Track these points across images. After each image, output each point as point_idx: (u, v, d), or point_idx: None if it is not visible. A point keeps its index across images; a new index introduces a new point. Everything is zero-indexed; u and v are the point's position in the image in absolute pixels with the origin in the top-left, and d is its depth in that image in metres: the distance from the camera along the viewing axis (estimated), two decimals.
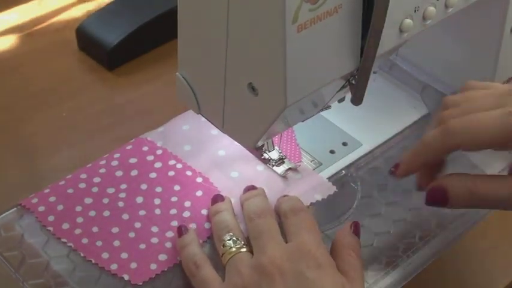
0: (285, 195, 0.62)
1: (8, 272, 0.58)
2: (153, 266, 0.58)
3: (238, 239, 0.57)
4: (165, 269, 0.58)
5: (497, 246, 0.72)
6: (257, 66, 0.52)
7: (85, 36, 0.93)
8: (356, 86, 0.55)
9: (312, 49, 0.51)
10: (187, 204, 0.62)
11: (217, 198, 0.62)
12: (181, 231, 0.59)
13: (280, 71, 0.50)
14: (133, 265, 0.58)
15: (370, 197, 0.65)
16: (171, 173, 0.64)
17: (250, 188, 0.62)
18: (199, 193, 0.63)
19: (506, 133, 0.53)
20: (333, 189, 0.64)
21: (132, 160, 0.65)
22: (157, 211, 0.62)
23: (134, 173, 0.65)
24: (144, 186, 0.63)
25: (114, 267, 0.58)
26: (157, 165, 0.65)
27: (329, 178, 0.66)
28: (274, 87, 0.51)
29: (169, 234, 0.60)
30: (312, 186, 0.63)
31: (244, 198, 0.61)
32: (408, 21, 0.56)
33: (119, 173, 0.64)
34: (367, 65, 0.54)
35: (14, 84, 0.89)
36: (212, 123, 0.60)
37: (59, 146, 0.80)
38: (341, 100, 0.63)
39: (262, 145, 0.64)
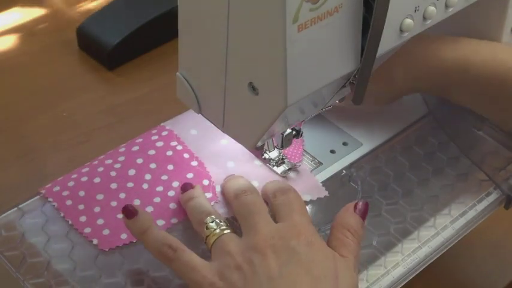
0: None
1: (8, 271, 0.58)
2: (124, 236, 0.59)
3: (220, 221, 0.57)
4: (135, 241, 0.59)
5: (497, 246, 0.72)
6: (257, 66, 0.52)
7: (85, 36, 0.93)
8: (356, 86, 0.55)
9: (313, 49, 0.51)
10: (175, 184, 0.63)
11: (187, 186, 0.61)
12: (130, 212, 0.56)
13: (280, 70, 0.50)
14: (106, 232, 0.59)
15: (370, 197, 0.65)
16: (169, 153, 0.65)
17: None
18: (190, 175, 0.63)
19: None
20: (325, 193, 0.64)
21: (138, 140, 0.67)
22: (145, 186, 0.62)
23: (135, 148, 0.65)
24: (140, 161, 0.64)
25: (87, 230, 0.59)
26: (159, 144, 0.66)
27: (329, 178, 0.66)
28: (274, 87, 0.51)
29: (149, 209, 0.61)
30: (305, 187, 0.64)
31: (226, 181, 0.62)
32: (408, 21, 0.56)
33: (122, 149, 0.66)
34: (367, 65, 0.54)
35: (14, 84, 0.89)
36: (212, 122, 0.60)
37: (59, 146, 0.80)
38: (341, 100, 0.63)
39: (263, 145, 0.64)
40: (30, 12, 1.00)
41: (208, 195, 0.62)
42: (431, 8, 0.57)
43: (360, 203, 0.57)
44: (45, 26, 0.98)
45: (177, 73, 0.59)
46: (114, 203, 0.61)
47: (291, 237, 0.54)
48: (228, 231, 0.56)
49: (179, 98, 0.60)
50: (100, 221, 0.60)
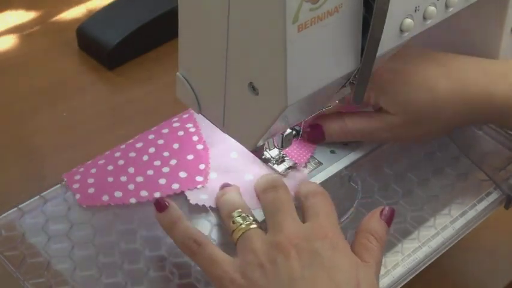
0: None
1: (8, 271, 0.58)
2: (105, 198, 0.60)
3: (247, 216, 0.57)
4: (113, 204, 0.60)
5: (497, 246, 0.73)
6: (257, 66, 0.52)
7: (85, 36, 0.93)
8: (356, 86, 0.55)
9: (313, 49, 0.51)
10: (173, 162, 0.63)
11: (224, 186, 0.62)
12: (161, 205, 0.58)
13: (280, 70, 0.50)
14: (91, 190, 0.61)
15: (370, 197, 0.65)
16: (180, 133, 0.66)
17: (226, 185, 0.62)
18: (190, 157, 0.64)
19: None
20: None
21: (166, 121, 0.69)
22: (145, 157, 0.64)
23: (154, 129, 0.67)
24: (151, 137, 0.66)
25: (75, 186, 0.61)
26: (175, 124, 0.67)
27: (329, 178, 0.66)
28: (274, 87, 0.51)
29: (139, 179, 0.62)
30: (294, 185, 0.64)
31: (257, 179, 0.61)
32: (408, 21, 0.56)
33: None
34: (367, 65, 0.54)
35: (14, 84, 0.89)
36: (212, 122, 0.60)
37: (59, 146, 0.80)
38: (341, 100, 0.63)
39: (263, 145, 0.64)
40: (30, 12, 1.00)
41: (199, 178, 0.63)
42: (432, 8, 0.57)
43: (386, 209, 0.57)
44: (45, 26, 0.98)
45: (177, 73, 0.59)
46: (110, 167, 0.63)
47: (316, 239, 0.53)
48: (254, 226, 0.56)
49: (179, 98, 0.60)
50: (90, 180, 0.62)
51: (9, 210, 0.62)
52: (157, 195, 0.61)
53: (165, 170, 0.63)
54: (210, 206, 0.61)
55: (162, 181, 0.62)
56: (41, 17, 0.99)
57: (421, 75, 0.64)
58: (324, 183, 0.65)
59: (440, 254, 0.62)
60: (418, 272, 0.61)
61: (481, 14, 0.68)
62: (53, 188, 0.64)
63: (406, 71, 0.64)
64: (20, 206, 0.62)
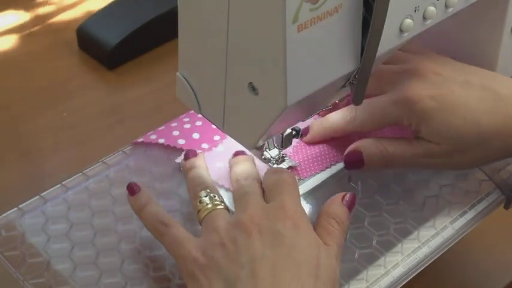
0: None
1: (8, 271, 0.58)
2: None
3: (214, 196, 0.57)
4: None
5: (497, 246, 0.73)
6: (257, 66, 0.52)
7: (85, 36, 0.93)
8: (356, 86, 0.55)
9: (312, 49, 0.51)
10: (198, 123, 0.69)
11: (190, 154, 0.63)
12: (133, 189, 0.59)
13: (280, 70, 0.50)
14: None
15: (370, 197, 0.65)
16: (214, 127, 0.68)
17: (240, 153, 0.63)
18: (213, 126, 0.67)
19: (394, 117, 0.62)
20: None
21: None
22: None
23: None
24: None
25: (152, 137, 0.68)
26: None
27: (329, 178, 0.66)
28: (274, 87, 0.51)
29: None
30: None
31: (233, 162, 0.62)
32: (408, 21, 0.56)
33: None
34: (367, 65, 0.54)
35: (14, 84, 0.89)
36: (212, 123, 0.60)
37: (59, 146, 0.80)
38: (341, 100, 0.63)
39: (262, 145, 0.64)
40: (30, 12, 1.00)
41: (205, 145, 0.66)
42: (431, 8, 0.57)
43: (348, 194, 0.57)
44: (45, 26, 0.98)
45: (177, 73, 0.59)
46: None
47: (277, 218, 0.54)
48: (221, 207, 0.57)
49: (179, 98, 0.60)
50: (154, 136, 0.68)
51: (9, 210, 0.62)
52: (161, 141, 0.66)
53: (186, 126, 0.68)
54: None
55: (176, 133, 0.67)
56: (41, 17, 0.99)
57: (465, 105, 0.61)
58: (324, 183, 0.65)
59: (440, 254, 0.62)
60: (418, 272, 0.61)
61: (481, 14, 0.68)
62: (53, 188, 0.64)
63: (449, 100, 0.61)
64: (20, 206, 0.62)
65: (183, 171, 0.63)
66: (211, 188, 0.59)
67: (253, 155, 0.64)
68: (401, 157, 0.63)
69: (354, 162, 0.63)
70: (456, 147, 0.62)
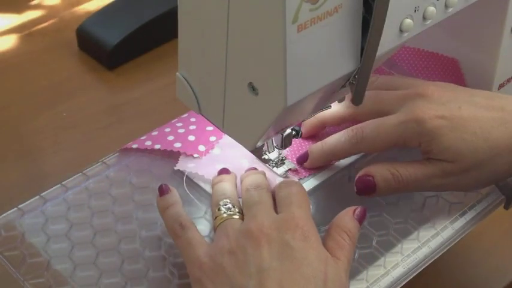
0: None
1: (8, 271, 0.58)
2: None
3: (233, 206, 0.58)
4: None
5: (497, 247, 0.73)
6: (257, 66, 0.52)
7: (85, 36, 0.93)
8: (356, 86, 0.55)
9: (312, 49, 0.51)
10: (192, 127, 0.69)
11: (223, 172, 0.63)
12: (163, 190, 0.60)
13: (280, 71, 0.50)
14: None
15: (370, 197, 0.65)
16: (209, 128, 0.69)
17: (251, 169, 0.63)
18: (208, 128, 0.68)
19: (403, 139, 0.62)
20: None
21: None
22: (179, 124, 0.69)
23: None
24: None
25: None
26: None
27: (329, 178, 0.66)
28: (274, 87, 0.51)
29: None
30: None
31: (245, 175, 0.62)
32: (408, 21, 0.56)
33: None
34: (367, 65, 0.54)
35: (14, 84, 0.89)
36: (212, 123, 0.60)
37: (59, 146, 0.80)
38: (341, 100, 0.63)
39: (262, 145, 0.64)
40: (30, 12, 1.00)
41: (202, 148, 0.67)
42: (431, 8, 0.57)
43: (359, 209, 0.58)
44: (45, 26, 0.98)
45: (177, 73, 0.59)
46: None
47: (287, 229, 0.54)
48: (237, 216, 0.57)
49: (179, 98, 0.60)
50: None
51: (9, 210, 0.62)
52: (157, 146, 0.66)
53: (181, 131, 0.68)
54: (187, 175, 0.64)
55: (170, 138, 0.66)
56: (41, 17, 0.99)
57: (475, 120, 0.61)
58: (324, 183, 0.65)
59: (440, 254, 0.62)
60: (418, 272, 0.61)
61: (481, 14, 0.68)
62: (53, 188, 0.64)
63: (458, 117, 0.61)
64: (19, 206, 0.62)
65: (212, 185, 0.63)
66: (232, 199, 0.59)
67: (264, 171, 0.63)
68: (415, 180, 0.61)
69: (366, 188, 0.62)
70: (468, 163, 0.61)
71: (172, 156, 0.67)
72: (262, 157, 0.65)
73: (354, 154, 0.66)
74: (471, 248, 0.72)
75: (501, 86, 0.72)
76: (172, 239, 0.58)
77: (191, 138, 0.67)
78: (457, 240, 0.63)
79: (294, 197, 0.57)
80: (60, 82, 0.89)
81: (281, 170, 0.65)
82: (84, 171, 0.66)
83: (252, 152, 0.65)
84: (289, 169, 0.65)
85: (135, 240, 0.61)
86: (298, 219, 0.55)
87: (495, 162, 0.61)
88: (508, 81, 0.73)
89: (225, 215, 0.57)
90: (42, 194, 0.63)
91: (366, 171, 0.62)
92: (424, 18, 0.58)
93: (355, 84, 0.55)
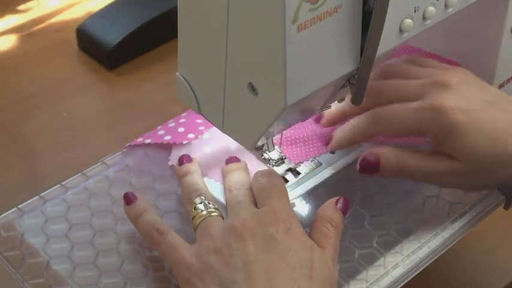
0: None
1: (8, 271, 0.58)
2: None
3: (209, 203, 0.58)
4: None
5: (497, 247, 0.72)
6: (257, 66, 0.52)
7: (85, 36, 0.93)
8: (356, 86, 0.55)
9: (312, 49, 0.51)
10: (182, 120, 0.69)
11: (184, 159, 0.63)
12: (129, 198, 0.59)
13: (280, 71, 0.50)
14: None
15: (370, 197, 0.65)
16: (199, 121, 0.69)
17: (233, 159, 0.64)
18: (198, 121, 0.68)
19: (420, 125, 0.61)
20: None
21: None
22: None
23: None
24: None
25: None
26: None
27: (329, 178, 0.66)
28: (274, 87, 0.51)
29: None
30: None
31: (227, 170, 0.63)
32: (408, 21, 0.56)
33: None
34: (367, 65, 0.54)
35: (14, 84, 0.89)
36: (212, 123, 0.60)
37: (59, 146, 0.80)
38: (341, 100, 0.63)
39: (262, 145, 0.64)
40: (29, 12, 1.00)
41: (191, 135, 0.67)
42: (431, 8, 0.57)
43: (341, 199, 0.58)
44: (45, 26, 0.98)
45: (177, 73, 0.59)
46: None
47: (269, 223, 0.54)
48: (216, 214, 0.57)
49: (179, 98, 0.60)
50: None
51: (9, 210, 0.62)
52: (148, 141, 0.66)
53: (171, 125, 0.68)
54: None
55: (161, 132, 0.67)
56: (41, 17, 0.99)
57: (494, 124, 0.60)
58: (323, 183, 0.65)
59: (440, 254, 0.62)
60: (418, 272, 0.61)
61: (481, 14, 0.68)
62: (52, 188, 0.64)
63: (480, 118, 0.60)
64: (19, 206, 0.62)
65: (178, 177, 0.63)
66: (206, 195, 0.59)
67: (245, 161, 0.64)
68: (419, 169, 0.61)
69: (369, 167, 0.62)
70: (478, 166, 0.60)
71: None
72: (262, 156, 0.65)
73: (372, 135, 0.65)
74: (471, 248, 0.72)
75: (501, 85, 0.72)
76: (151, 246, 0.58)
77: (181, 129, 0.68)
78: (457, 240, 0.63)
79: (274, 189, 0.57)
80: (60, 82, 0.89)
81: (281, 169, 0.65)
82: (84, 171, 0.66)
83: (252, 151, 0.65)
84: (289, 168, 0.65)
85: (134, 240, 0.61)
86: (280, 212, 0.55)
87: (505, 169, 0.60)
88: (508, 81, 0.73)
89: (203, 213, 0.57)
90: (41, 194, 0.63)
91: (373, 152, 0.62)
92: (424, 18, 0.58)
93: (355, 84, 0.55)
